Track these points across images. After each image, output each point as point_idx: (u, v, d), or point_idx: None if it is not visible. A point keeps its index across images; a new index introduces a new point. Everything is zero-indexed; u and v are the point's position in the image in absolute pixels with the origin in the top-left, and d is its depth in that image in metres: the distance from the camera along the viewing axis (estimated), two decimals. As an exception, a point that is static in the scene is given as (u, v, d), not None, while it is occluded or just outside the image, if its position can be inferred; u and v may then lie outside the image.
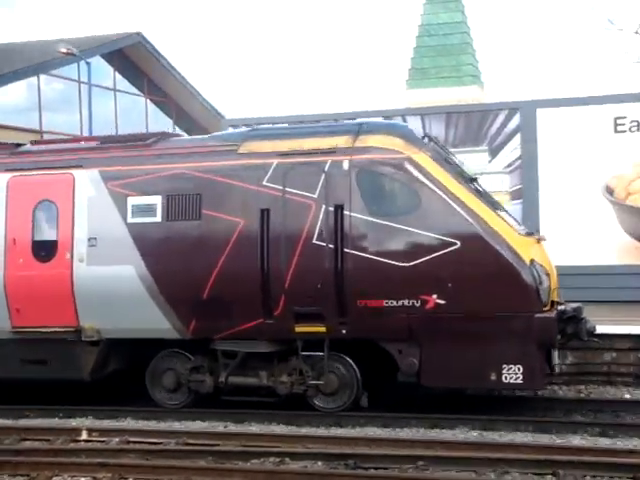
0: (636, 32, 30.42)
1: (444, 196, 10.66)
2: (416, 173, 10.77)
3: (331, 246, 10.68)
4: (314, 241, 10.72)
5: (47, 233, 11.80)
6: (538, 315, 10.31)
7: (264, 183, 10.98)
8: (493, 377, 10.42)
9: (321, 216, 10.75)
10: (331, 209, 10.71)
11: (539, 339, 10.35)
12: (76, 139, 14.85)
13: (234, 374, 11.24)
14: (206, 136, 12.98)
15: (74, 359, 11.68)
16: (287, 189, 10.89)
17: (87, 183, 11.64)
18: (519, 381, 10.47)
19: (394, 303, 10.46)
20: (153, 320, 11.21)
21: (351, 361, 10.92)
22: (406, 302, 10.43)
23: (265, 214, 10.91)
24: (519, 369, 10.42)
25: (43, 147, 12.86)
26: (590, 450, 8.54)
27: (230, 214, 11.04)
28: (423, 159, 10.86)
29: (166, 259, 11.19)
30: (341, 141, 11.10)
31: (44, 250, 11.71)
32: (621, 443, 9.29)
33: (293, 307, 10.75)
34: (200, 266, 11.02)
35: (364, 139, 11.12)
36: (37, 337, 11.67)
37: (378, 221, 10.64)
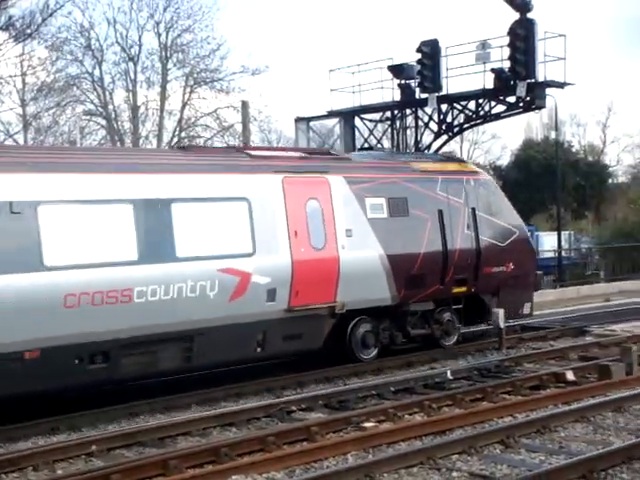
0: None
1: (507, 201, 17.89)
2: (498, 188, 18.13)
3: (472, 234, 16.45)
4: (465, 230, 16.34)
5: (318, 227, 14.07)
6: (538, 272, 18.55)
7: (437, 192, 16.09)
8: (520, 311, 17.41)
9: (466, 214, 16.44)
10: (469, 210, 16.51)
11: (536, 287, 18.45)
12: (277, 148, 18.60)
13: (414, 328, 15.77)
14: (366, 154, 17.44)
15: (320, 331, 14.25)
16: (449, 196, 16.25)
17: (339, 186, 14.56)
18: (528, 312, 17.75)
19: (496, 269, 16.72)
20: (379, 292, 14.83)
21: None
22: (500, 268, 16.80)
23: (440, 213, 15.95)
24: (529, 304, 17.69)
25: (291, 154, 15.22)
26: None
27: (422, 212, 15.70)
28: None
29: (393, 245, 15.01)
30: (455, 166, 17.44)
31: (316, 239, 13.98)
32: None
33: (455, 276, 15.97)
34: (413, 249, 15.37)
35: (461, 165, 17.83)
36: (305, 314, 13.83)
37: (490, 218, 16.94)
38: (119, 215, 11.94)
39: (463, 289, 16.20)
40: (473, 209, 16.57)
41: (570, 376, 13.28)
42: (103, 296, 11.49)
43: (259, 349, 13.50)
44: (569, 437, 10.05)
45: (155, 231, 12.21)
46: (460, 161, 18.54)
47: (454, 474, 8.80)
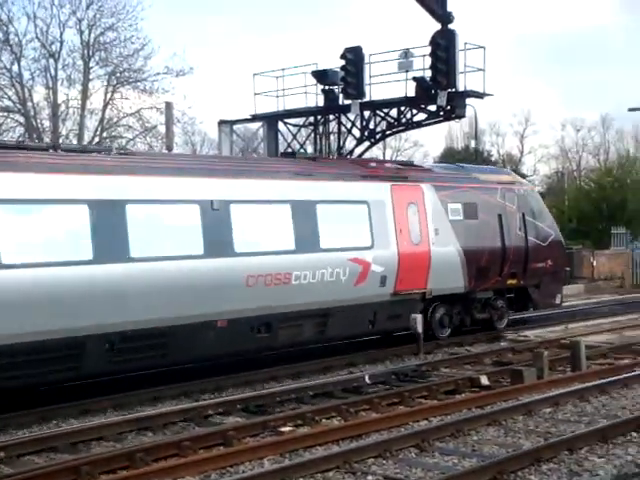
0: None
1: (545, 208, 21.25)
2: (539, 196, 21.64)
3: (523, 235, 19.50)
4: (517, 232, 19.38)
5: (414, 227, 17.01)
6: (567, 268, 22.01)
7: (497, 199, 19.19)
8: (554, 301, 20.57)
9: (518, 218, 19.52)
10: (520, 215, 19.62)
11: (565, 280, 22.03)
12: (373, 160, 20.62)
13: (478, 312, 18.70)
14: (441, 166, 22.32)
15: (413, 313, 16.74)
16: (505, 203, 19.32)
17: (429, 193, 17.56)
18: (559, 302, 20.80)
19: (539, 265, 19.71)
20: (456, 281, 17.77)
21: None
22: (542, 264, 19.81)
23: (499, 217, 19.08)
24: (560, 295, 20.76)
25: (390, 165, 18.90)
26: None
27: (487, 216, 18.77)
28: None
29: (467, 243, 18.01)
30: (509, 178, 20.76)
31: (413, 236, 16.91)
32: None
33: (510, 270, 18.99)
34: (481, 246, 18.36)
35: (512, 177, 21.21)
36: (404, 298, 16.71)
37: (535, 222, 20.03)
38: (282, 213, 14.85)
39: (514, 281, 19.36)
40: (523, 214, 19.73)
41: (484, 381, 13.55)
42: (272, 278, 14.35)
43: (370, 326, 16.47)
44: (482, 440, 10.26)
45: (306, 226, 15.10)
46: (509, 173, 22.12)
47: (369, 478, 8.89)
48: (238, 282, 13.84)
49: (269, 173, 15.12)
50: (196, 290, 13.26)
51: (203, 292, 13.35)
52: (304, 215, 15.05)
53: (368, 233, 16.16)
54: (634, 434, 10.28)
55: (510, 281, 19.23)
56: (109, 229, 12.42)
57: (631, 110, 46.93)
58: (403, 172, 17.83)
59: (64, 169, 12.36)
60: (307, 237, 15.03)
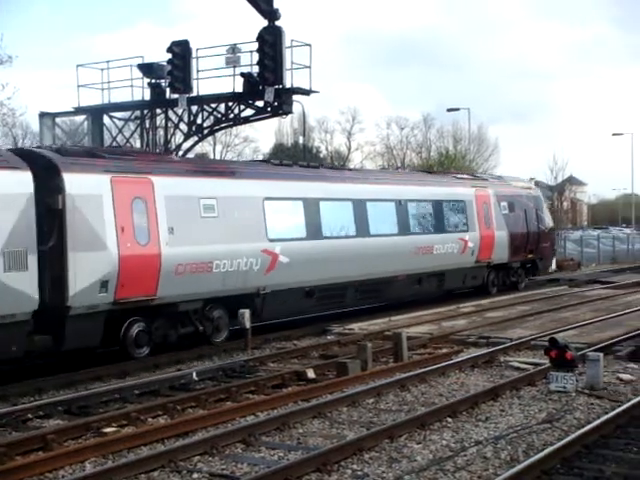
0: None
1: (545, 205, 32.98)
2: (542, 197, 32.42)
3: (537, 224, 28.62)
4: (534, 222, 28.46)
5: (487, 218, 26.05)
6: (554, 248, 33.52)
7: (523, 199, 28.35)
8: (549, 269, 32.47)
9: (534, 212, 28.68)
10: (534, 209, 28.79)
11: (554, 255, 33.93)
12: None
13: (511, 276, 27.74)
14: (489, 175, 32.60)
15: (482, 275, 26.25)
16: (527, 202, 28.54)
17: (492, 195, 26.67)
18: (551, 270, 33.29)
19: (544, 244, 29.17)
20: (504, 254, 26.79)
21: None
22: (545, 244, 29.33)
23: (525, 211, 28.09)
24: (551, 265, 32.82)
25: (464, 175, 28.91)
26: None
27: (519, 211, 27.77)
28: None
29: (510, 228, 26.95)
30: (528, 184, 30.80)
31: (486, 224, 25.99)
32: None
33: (529, 247, 28.08)
34: (516, 231, 27.29)
35: (529, 183, 31.52)
36: (480, 265, 25.81)
37: (542, 215, 29.43)
38: (428, 207, 23.65)
39: (531, 255, 28.34)
40: (536, 209, 28.90)
41: (311, 374, 13.79)
42: (424, 249, 23.02)
43: (462, 283, 25.36)
44: (307, 433, 10.45)
45: (439, 216, 23.99)
46: (527, 181, 32.15)
47: (195, 475, 8.85)
48: (412, 251, 22.50)
49: (423, 181, 24.73)
50: (393, 255, 21.63)
51: (396, 257, 21.72)
52: (438, 208, 23.99)
53: (465, 221, 24.99)
54: (449, 419, 10.82)
55: (529, 255, 28.20)
56: (361, 217, 20.90)
57: (449, 110, 49.41)
58: (478, 181, 27.37)
59: (344, 180, 21.27)
60: (439, 223, 23.97)
